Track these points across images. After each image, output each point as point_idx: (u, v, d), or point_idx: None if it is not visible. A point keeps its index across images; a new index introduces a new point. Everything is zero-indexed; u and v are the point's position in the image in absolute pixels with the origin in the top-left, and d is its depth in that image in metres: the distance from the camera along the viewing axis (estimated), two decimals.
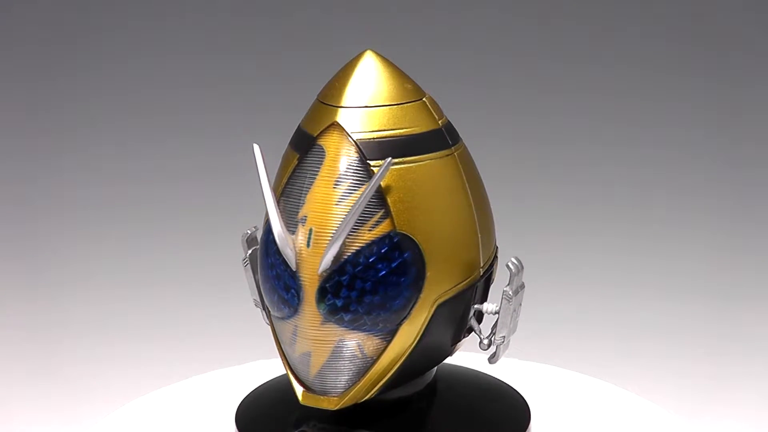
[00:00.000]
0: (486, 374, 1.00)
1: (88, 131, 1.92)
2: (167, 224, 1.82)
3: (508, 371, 1.03)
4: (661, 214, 1.84)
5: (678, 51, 1.93)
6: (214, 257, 1.66)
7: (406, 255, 0.82)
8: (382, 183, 0.82)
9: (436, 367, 0.92)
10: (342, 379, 0.85)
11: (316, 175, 0.84)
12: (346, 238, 0.82)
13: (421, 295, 0.83)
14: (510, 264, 0.86)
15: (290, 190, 0.86)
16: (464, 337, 0.89)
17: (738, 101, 1.91)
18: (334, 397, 0.86)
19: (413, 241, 0.82)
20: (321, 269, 0.82)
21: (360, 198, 0.81)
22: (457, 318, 0.87)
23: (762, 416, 1.52)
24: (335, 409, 0.85)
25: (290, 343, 0.86)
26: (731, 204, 1.83)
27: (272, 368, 1.01)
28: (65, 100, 1.93)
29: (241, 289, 0.93)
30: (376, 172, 0.82)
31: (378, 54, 0.87)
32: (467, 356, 1.06)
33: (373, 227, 0.82)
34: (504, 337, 0.87)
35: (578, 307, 1.70)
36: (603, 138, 1.90)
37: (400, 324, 0.83)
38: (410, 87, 0.87)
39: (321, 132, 0.85)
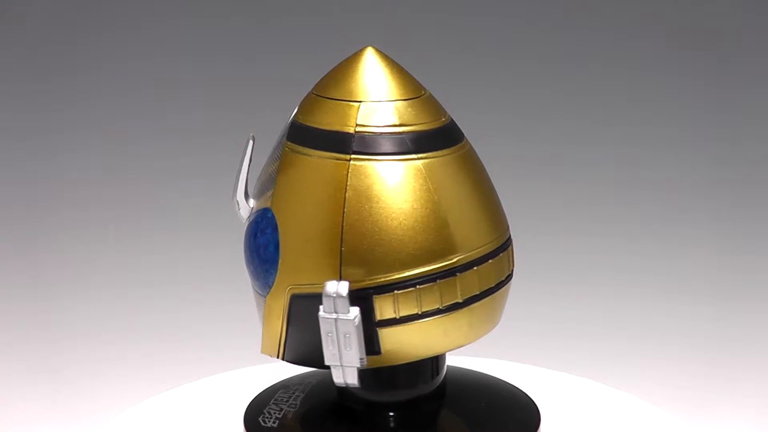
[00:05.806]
0: (495, 377, 1.00)
1: (89, 131, 1.92)
2: (173, 224, 1.83)
3: (516, 375, 1.03)
4: (663, 214, 1.84)
5: (679, 51, 1.93)
6: (221, 257, 1.66)
7: (268, 231, 0.87)
8: (282, 164, 0.87)
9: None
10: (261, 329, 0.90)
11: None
12: (257, 201, 0.89)
13: (277, 276, 0.86)
14: (327, 284, 0.84)
15: None
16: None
17: (739, 101, 1.92)
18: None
19: (275, 221, 0.87)
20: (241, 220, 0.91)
21: (241, 167, 0.89)
22: None
23: (763, 416, 1.52)
24: (261, 352, 0.90)
25: None
26: (731, 204, 1.84)
27: (281, 370, 1.02)
28: (65, 100, 1.93)
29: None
30: (283, 153, 0.88)
31: (379, 51, 0.87)
32: (475, 360, 1.07)
33: (267, 199, 0.88)
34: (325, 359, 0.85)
35: (578, 309, 1.71)
36: (603, 137, 1.91)
37: (266, 294, 0.87)
38: (359, 87, 0.86)
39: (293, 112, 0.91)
